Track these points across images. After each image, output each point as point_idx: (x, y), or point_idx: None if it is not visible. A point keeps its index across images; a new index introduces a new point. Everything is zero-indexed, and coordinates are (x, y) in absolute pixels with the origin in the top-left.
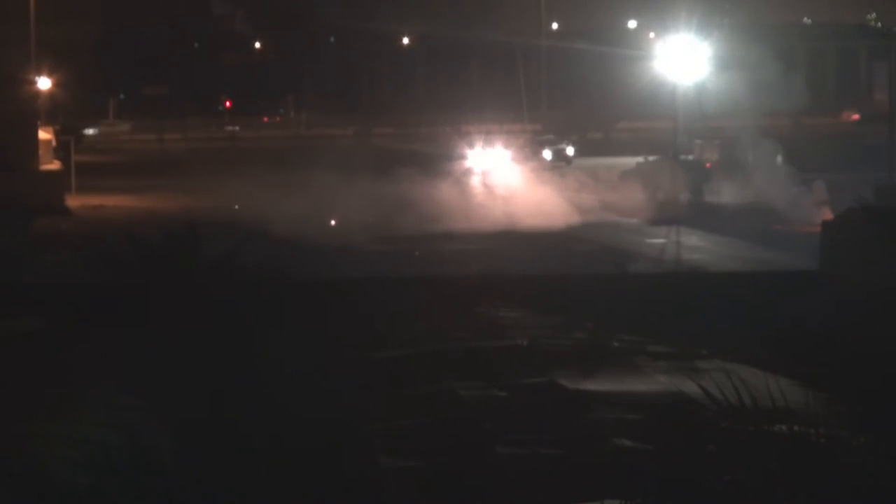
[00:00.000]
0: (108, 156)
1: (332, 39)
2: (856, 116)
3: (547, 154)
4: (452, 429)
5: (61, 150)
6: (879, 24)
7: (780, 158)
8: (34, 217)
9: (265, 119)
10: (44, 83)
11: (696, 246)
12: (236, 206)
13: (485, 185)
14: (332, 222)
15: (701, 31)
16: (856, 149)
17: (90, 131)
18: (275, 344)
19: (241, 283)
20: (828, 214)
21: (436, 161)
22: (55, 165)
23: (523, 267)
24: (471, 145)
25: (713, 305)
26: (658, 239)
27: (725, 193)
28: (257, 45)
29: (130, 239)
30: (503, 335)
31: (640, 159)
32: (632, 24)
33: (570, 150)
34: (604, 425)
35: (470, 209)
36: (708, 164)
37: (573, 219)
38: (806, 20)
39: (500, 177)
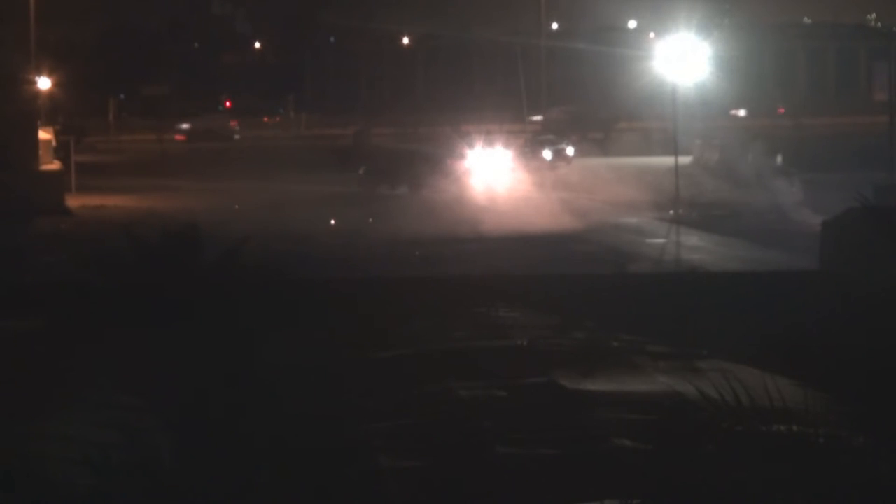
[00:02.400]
0: (108, 156)
1: (332, 39)
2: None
3: (547, 154)
4: (452, 429)
5: (61, 150)
6: (879, 24)
7: (780, 158)
8: (34, 217)
9: (265, 119)
10: (44, 83)
11: (696, 246)
12: (236, 206)
13: (484, 184)
14: (332, 221)
15: (701, 31)
16: (856, 148)
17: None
18: (275, 343)
19: (241, 283)
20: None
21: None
22: (55, 165)
23: (523, 267)
24: (471, 145)
25: (713, 305)
26: (658, 239)
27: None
28: (257, 45)
29: (130, 239)
30: (503, 335)
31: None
32: (632, 24)
33: (570, 150)
34: (604, 425)
35: (469, 209)
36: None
37: (572, 219)
38: (806, 20)
39: (499, 176)
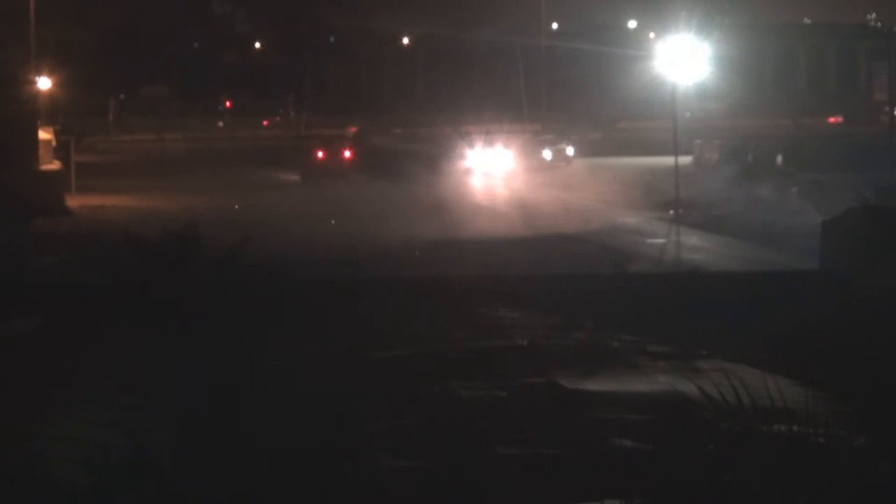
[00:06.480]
0: (108, 156)
1: (332, 39)
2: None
3: (547, 154)
4: (452, 429)
5: (61, 150)
6: (879, 24)
7: (780, 159)
8: (34, 217)
9: (265, 122)
10: (44, 83)
11: (696, 246)
12: (236, 207)
13: (484, 184)
14: (333, 221)
15: (701, 31)
16: (856, 149)
17: None
18: (275, 343)
19: (241, 283)
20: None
21: (437, 161)
22: (55, 165)
23: (523, 267)
24: (471, 145)
25: (713, 305)
26: (658, 239)
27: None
28: (257, 45)
29: (130, 239)
30: (503, 335)
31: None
32: (632, 24)
33: (570, 150)
34: (604, 425)
35: (469, 209)
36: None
37: (572, 219)
38: (806, 20)
39: (499, 176)
